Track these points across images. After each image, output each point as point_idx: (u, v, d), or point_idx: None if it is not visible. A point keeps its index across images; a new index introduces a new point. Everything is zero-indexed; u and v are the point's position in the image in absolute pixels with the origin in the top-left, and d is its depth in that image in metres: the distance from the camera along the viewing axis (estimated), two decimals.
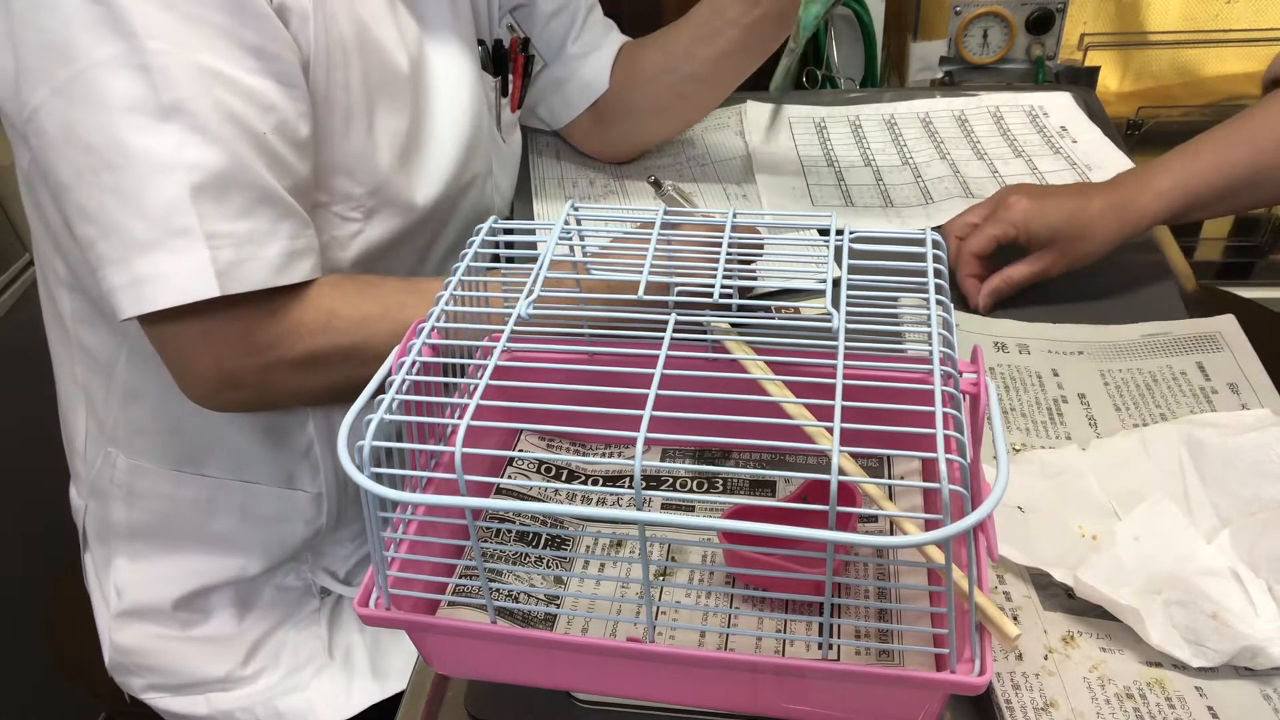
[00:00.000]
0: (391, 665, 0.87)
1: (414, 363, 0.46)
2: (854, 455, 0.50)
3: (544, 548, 0.55)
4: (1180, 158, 0.77)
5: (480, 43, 0.86)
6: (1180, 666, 0.53)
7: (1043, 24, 1.26)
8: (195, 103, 0.59)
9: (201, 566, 0.83)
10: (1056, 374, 0.74)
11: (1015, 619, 0.55)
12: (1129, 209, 0.77)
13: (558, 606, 0.52)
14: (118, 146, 0.59)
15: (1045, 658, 0.54)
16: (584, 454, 0.61)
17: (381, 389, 0.44)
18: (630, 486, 0.58)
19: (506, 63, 0.91)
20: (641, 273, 0.47)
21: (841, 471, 0.38)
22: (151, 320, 0.63)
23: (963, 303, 0.82)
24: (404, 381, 0.45)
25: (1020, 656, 0.54)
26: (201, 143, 0.59)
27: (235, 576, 0.83)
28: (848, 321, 0.45)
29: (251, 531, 0.82)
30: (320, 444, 0.81)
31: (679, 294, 0.49)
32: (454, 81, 0.81)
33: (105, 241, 0.60)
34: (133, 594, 0.82)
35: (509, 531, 0.55)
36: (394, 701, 0.84)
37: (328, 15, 0.67)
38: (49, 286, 0.77)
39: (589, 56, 0.96)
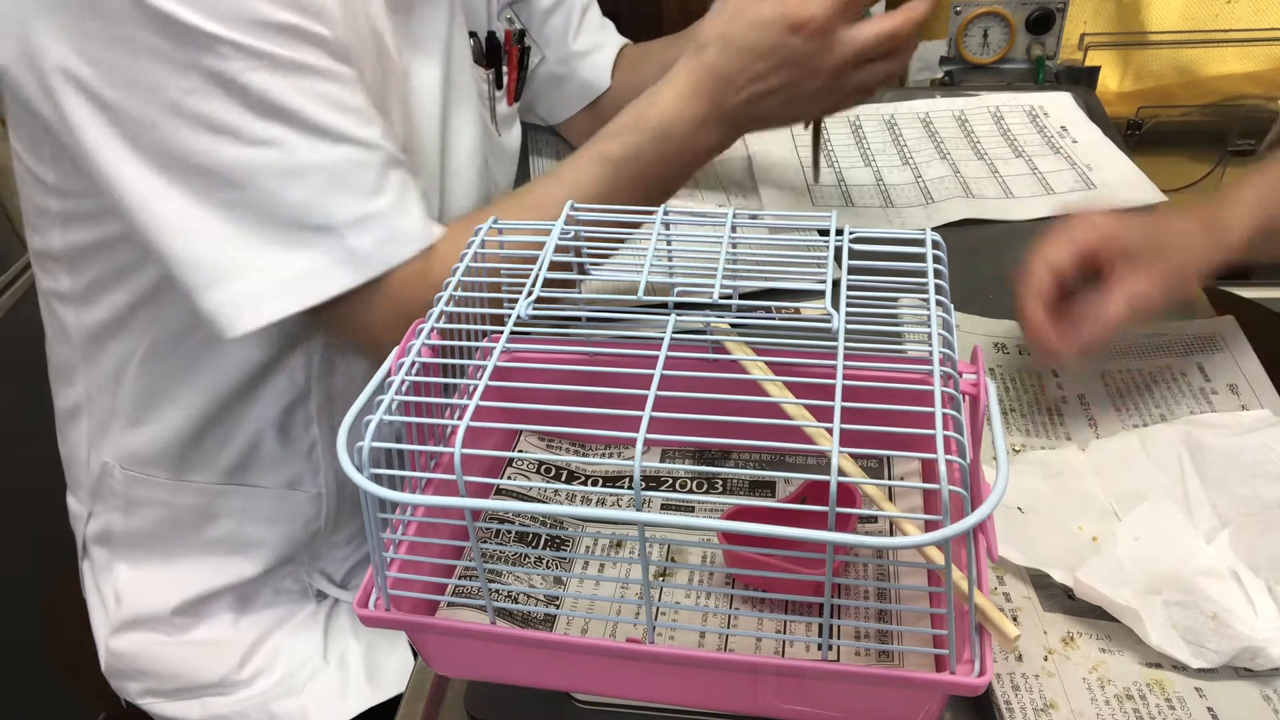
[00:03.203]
0: (386, 670, 0.86)
1: (413, 363, 0.46)
2: (854, 456, 0.50)
3: (544, 548, 0.55)
4: (1254, 172, 0.70)
5: (472, 35, 0.86)
6: (1180, 667, 0.53)
7: (1043, 24, 1.26)
8: (293, 100, 0.60)
9: (201, 571, 0.82)
10: (1056, 374, 0.74)
11: (1015, 620, 0.55)
12: (1214, 221, 0.67)
13: (557, 607, 0.52)
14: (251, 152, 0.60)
15: (1045, 659, 0.54)
16: (584, 454, 0.61)
17: (381, 389, 0.44)
18: (630, 487, 0.57)
19: (500, 55, 0.91)
20: (641, 273, 0.47)
21: (841, 472, 0.38)
22: (316, 311, 0.64)
23: (963, 303, 0.81)
24: (403, 382, 0.45)
25: (1020, 657, 0.54)
26: (315, 138, 0.61)
27: (234, 580, 0.83)
28: (847, 322, 0.45)
29: (250, 534, 0.82)
30: (323, 444, 0.81)
31: (678, 294, 0.49)
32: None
33: (264, 243, 0.62)
34: (132, 601, 0.82)
35: (508, 532, 0.55)
36: (388, 706, 0.84)
37: (349, 13, 0.67)
38: (49, 302, 0.77)
39: (589, 55, 0.96)
